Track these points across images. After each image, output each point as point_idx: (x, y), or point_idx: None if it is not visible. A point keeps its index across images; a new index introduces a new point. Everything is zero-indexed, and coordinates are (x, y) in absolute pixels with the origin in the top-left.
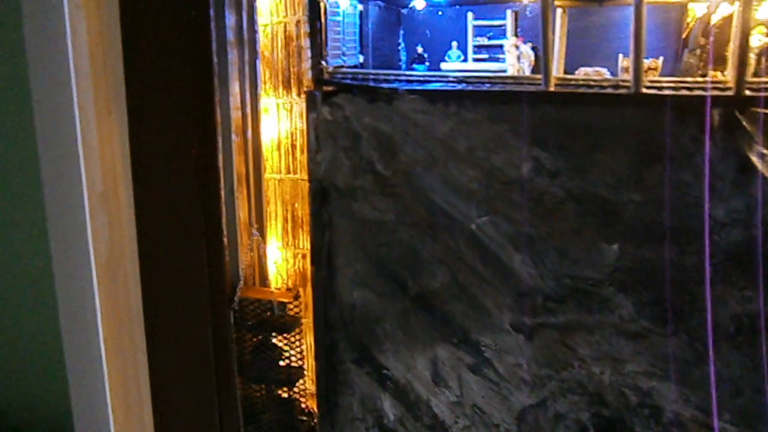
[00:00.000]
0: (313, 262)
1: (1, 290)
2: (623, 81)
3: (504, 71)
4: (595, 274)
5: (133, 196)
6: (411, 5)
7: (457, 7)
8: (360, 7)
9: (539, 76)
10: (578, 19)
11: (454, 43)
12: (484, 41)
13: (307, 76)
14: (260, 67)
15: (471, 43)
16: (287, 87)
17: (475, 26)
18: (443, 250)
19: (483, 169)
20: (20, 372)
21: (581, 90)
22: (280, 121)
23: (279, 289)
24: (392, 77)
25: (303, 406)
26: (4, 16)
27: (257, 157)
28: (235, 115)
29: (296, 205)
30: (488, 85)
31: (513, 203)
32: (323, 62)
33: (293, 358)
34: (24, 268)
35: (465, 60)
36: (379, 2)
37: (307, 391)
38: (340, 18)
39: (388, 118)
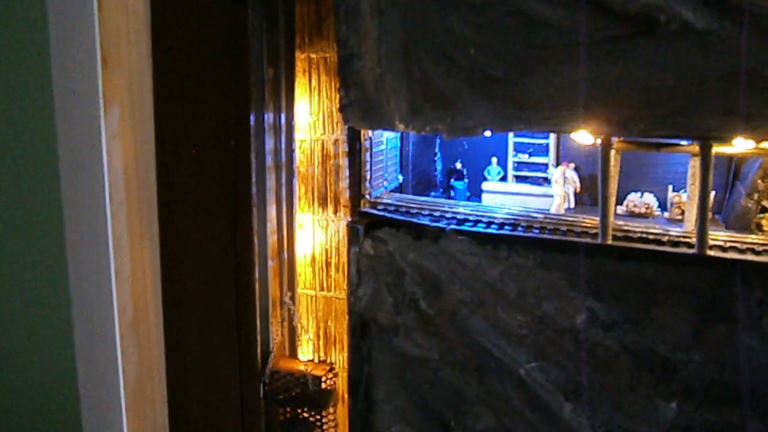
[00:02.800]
0: (350, 394)
1: (29, 418)
2: (684, 236)
3: (550, 196)
4: (650, 430)
5: (163, 323)
6: None
7: None
8: None
9: (594, 221)
10: None
11: (494, 159)
12: (525, 158)
13: (345, 195)
14: (296, 185)
15: (511, 159)
16: (323, 204)
17: (515, 142)
18: (489, 393)
19: (534, 315)
20: None
21: (640, 244)
22: (314, 238)
23: (311, 360)
24: (437, 211)
25: None
26: (40, 145)
27: (292, 276)
28: (272, 239)
29: (329, 322)
30: (538, 230)
31: (564, 352)
32: (366, 194)
33: None
34: (52, 399)
35: (505, 177)
36: None
37: None
38: (383, 147)
39: (433, 256)
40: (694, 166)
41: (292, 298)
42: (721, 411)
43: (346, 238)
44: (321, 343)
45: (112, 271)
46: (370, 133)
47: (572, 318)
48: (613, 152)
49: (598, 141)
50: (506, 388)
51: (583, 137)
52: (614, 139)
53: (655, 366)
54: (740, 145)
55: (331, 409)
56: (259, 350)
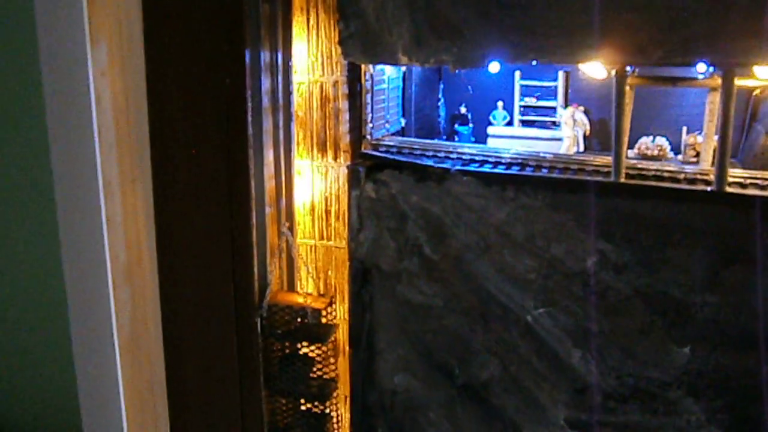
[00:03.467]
0: (351, 344)
1: (21, 369)
2: (701, 173)
3: (559, 140)
4: (662, 376)
5: (158, 270)
6: None
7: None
8: (404, 68)
9: (606, 160)
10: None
11: (500, 103)
12: (533, 102)
13: (345, 140)
14: (294, 129)
15: (518, 103)
16: (322, 150)
17: (522, 85)
18: (495, 340)
19: (542, 259)
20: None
21: (655, 182)
22: (313, 185)
23: (311, 294)
24: (442, 152)
25: None
26: (26, 84)
27: (290, 216)
28: (269, 184)
29: (329, 272)
30: (547, 169)
31: (574, 296)
32: (367, 135)
33: (326, 370)
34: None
35: (511, 122)
36: None
37: None
38: (385, 86)
39: (438, 198)
40: (712, 102)
41: (291, 228)
42: (736, 355)
43: (346, 185)
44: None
45: (104, 217)
46: (371, 69)
47: (582, 261)
48: (627, 88)
49: (612, 74)
50: (513, 335)
51: (597, 70)
52: (629, 72)
53: (669, 309)
54: (764, 73)
55: (330, 344)
56: (256, 284)
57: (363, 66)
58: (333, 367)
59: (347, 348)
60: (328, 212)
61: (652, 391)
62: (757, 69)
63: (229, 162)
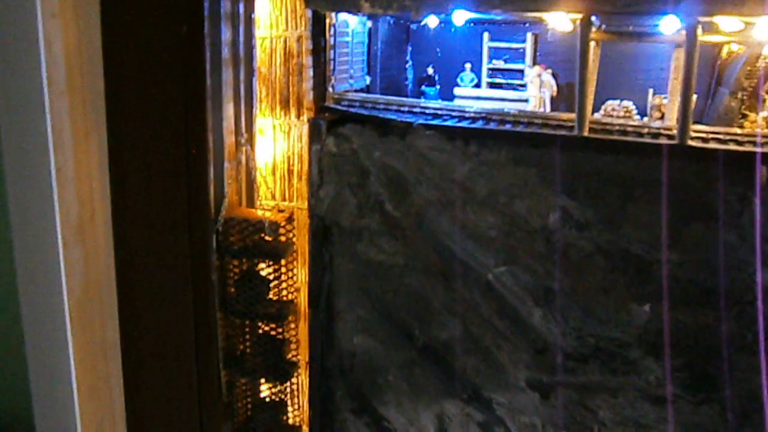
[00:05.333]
0: (310, 305)
1: None
2: (665, 129)
3: (525, 101)
4: (622, 335)
5: (113, 229)
6: (423, 23)
7: (472, 25)
8: (369, 24)
9: (571, 116)
10: (603, 47)
11: (468, 65)
12: (500, 64)
13: (308, 97)
14: (256, 85)
15: (485, 65)
16: (285, 107)
17: (490, 47)
18: (456, 300)
19: (504, 215)
20: None
21: (617, 136)
22: (276, 144)
23: (269, 209)
24: (405, 107)
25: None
26: None
27: (250, 185)
28: (229, 140)
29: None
30: (511, 124)
31: (535, 254)
32: (329, 87)
33: (285, 291)
34: None
35: (479, 84)
36: (389, 18)
37: None
38: (349, 38)
39: (400, 154)
40: (677, 58)
41: (250, 141)
42: (696, 312)
43: (308, 145)
44: None
45: (53, 169)
46: (334, 19)
47: (545, 218)
48: (592, 44)
49: (578, 24)
50: (474, 294)
51: (562, 22)
52: (594, 27)
53: (629, 267)
54: (728, 27)
55: (290, 259)
56: (211, 197)
57: (327, 20)
58: (292, 289)
59: (307, 309)
60: (290, 172)
61: (612, 351)
62: (721, 22)
63: (186, 114)
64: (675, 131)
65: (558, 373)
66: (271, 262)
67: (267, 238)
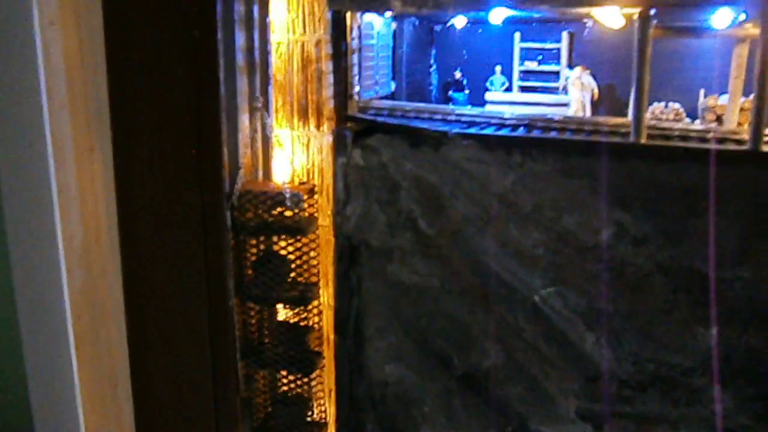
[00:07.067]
0: (336, 331)
1: None
2: (733, 133)
3: (565, 105)
4: (684, 361)
5: (120, 253)
6: (449, 23)
7: (501, 25)
8: (393, 26)
9: (623, 121)
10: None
11: (498, 68)
12: (533, 66)
13: (328, 106)
14: (272, 94)
15: (517, 68)
16: (304, 117)
17: (522, 48)
18: (498, 324)
19: (551, 232)
20: None
21: (678, 143)
22: (294, 157)
23: (290, 183)
24: (438, 115)
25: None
26: None
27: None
28: (244, 153)
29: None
30: (556, 131)
31: (587, 274)
32: (355, 95)
33: (307, 272)
34: None
35: (510, 88)
36: (414, 20)
37: None
38: (374, 41)
39: (434, 166)
40: (739, 55)
41: (266, 105)
42: None
43: (329, 157)
44: None
45: (54, 189)
46: (359, 20)
47: (597, 234)
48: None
49: (635, 18)
50: (518, 318)
51: (614, 18)
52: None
53: (694, 287)
54: None
55: (313, 241)
56: (226, 170)
57: (348, 22)
58: (315, 270)
59: (332, 336)
60: None
61: (674, 378)
62: None
63: (199, 127)
64: (744, 135)
65: (612, 403)
66: (292, 240)
67: (287, 213)
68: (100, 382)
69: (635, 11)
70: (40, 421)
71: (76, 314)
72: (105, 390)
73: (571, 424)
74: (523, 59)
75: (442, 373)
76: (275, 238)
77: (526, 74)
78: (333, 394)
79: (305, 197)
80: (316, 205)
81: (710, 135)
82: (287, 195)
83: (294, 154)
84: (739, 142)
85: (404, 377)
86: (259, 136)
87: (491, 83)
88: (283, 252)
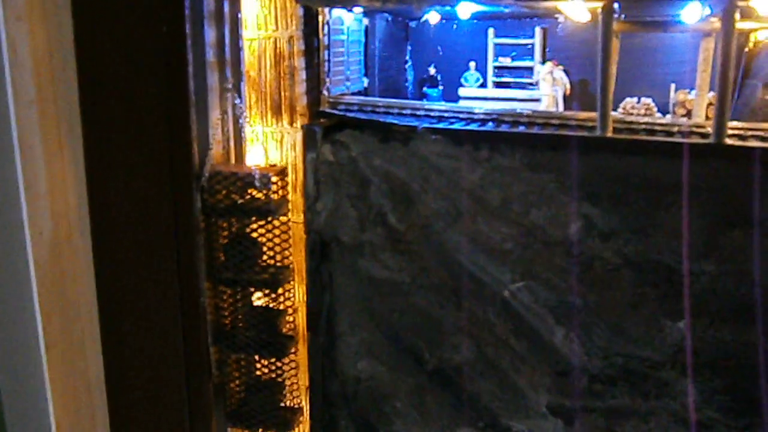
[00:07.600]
0: (309, 327)
1: None
2: (697, 126)
3: (537, 100)
4: (653, 354)
5: (92, 251)
6: (423, 19)
7: (475, 21)
8: (365, 21)
9: (590, 115)
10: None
11: (472, 64)
12: (507, 62)
13: (301, 102)
14: (245, 90)
15: (491, 63)
16: (277, 114)
17: (496, 44)
18: (468, 319)
19: (520, 226)
20: None
21: (645, 136)
22: (267, 154)
23: (260, 165)
24: (408, 110)
25: None
26: None
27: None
28: (216, 150)
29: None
30: (525, 125)
31: (556, 268)
32: (324, 91)
33: (279, 255)
34: None
35: (485, 84)
36: (387, 15)
37: None
38: (344, 37)
39: (403, 161)
40: (706, 49)
41: (237, 87)
42: (737, 328)
43: (303, 150)
44: None
45: (21, 187)
46: (327, 15)
47: (565, 228)
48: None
49: (599, 12)
50: (488, 312)
51: (580, 12)
52: (616, 12)
53: (661, 280)
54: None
55: (285, 219)
56: (195, 151)
57: (320, 18)
58: (287, 253)
59: (305, 332)
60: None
61: (643, 372)
62: (756, 5)
63: (168, 123)
64: (709, 128)
65: (583, 397)
66: (263, 222)
67: (257, 195)
68: (73, 373)
69: (599, 5)
70: (11, 423)
71: (46, 311)
72: (78, 381)
73: (543, 418)
74: (497, 55)
75: (413, 368)
76: (246, 221)
77: (500, 70)
78: (306, 390)
79: (275, 179)
80: (287, 188)
81: (675, 129)
82: (256, 176)
83: (268, 150)
84: (704, 135)
85: (376, 373)
86: (230, 117)
87: (465, 79)
88: (254, 234)
